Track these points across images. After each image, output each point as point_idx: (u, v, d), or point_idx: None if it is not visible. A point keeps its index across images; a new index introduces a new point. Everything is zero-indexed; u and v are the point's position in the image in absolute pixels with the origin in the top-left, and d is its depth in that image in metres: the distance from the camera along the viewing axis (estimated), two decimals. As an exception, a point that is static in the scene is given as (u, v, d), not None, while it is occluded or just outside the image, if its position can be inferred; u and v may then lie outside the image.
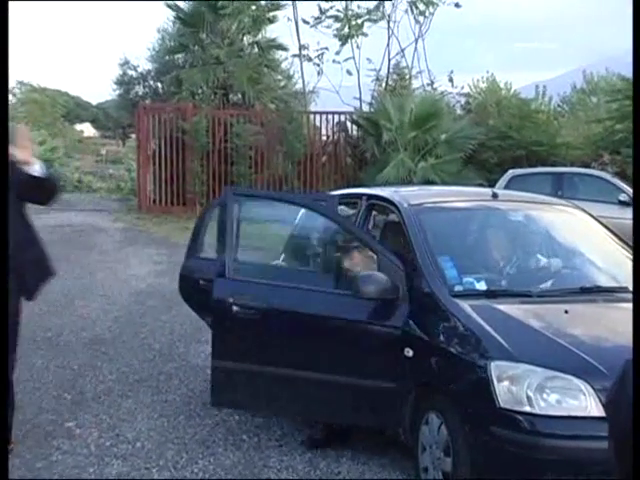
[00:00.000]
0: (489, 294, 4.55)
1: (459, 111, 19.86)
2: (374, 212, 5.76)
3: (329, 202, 5.44)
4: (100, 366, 6.96)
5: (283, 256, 6.09)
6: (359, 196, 5.82)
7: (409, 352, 4.44)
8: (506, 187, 12.16)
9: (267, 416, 5.63)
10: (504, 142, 17.37)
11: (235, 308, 4.85)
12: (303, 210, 5.91)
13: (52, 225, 16.97)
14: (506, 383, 3.82)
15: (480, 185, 13.40)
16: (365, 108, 18.95)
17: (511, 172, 13.57)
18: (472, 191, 6.83)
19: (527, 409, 3.74)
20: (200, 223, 6.31)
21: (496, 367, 3.86)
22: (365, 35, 19.61)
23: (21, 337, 4.71)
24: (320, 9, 19.59)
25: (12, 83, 47.52)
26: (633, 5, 6.45)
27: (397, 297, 4.59)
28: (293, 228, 6.19)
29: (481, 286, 4.64)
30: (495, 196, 5.44)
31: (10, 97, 43.52)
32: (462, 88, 20.31)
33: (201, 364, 7.01)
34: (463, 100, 20.37)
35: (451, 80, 19.83)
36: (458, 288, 4.55)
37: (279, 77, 22.49)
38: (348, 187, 9.31)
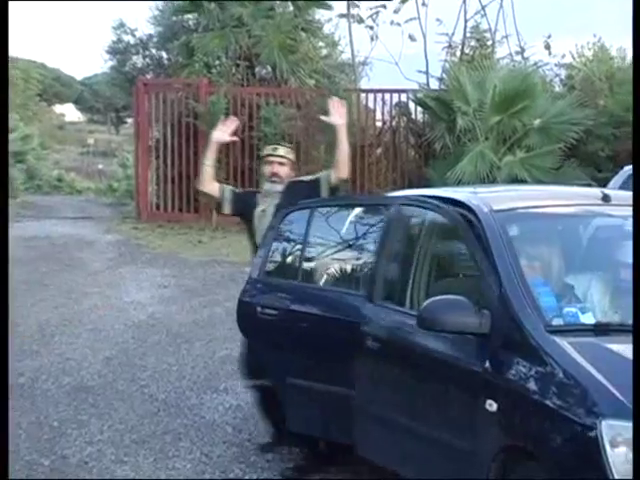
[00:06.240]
0: (598, 329, 4.51)
1: (558, 88, 19.75)
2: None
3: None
4: (87, 422, 7.02)
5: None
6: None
7: (492, 405, 4.42)
8: (622, 188, 12.04)
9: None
10: (618, 129, 17.23)
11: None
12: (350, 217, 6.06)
13: (25, 237, 17.20)
14: (623, 449, 3.79)
15: (587, 185, 13.29)
16: (434, 85, 18.95)
17: (628, 169, 13.40)
18: (576, 193, 6.77)
19: (651, 483, 3.71)
20: (270, 235, 6.50)
21: (609, 428, 3.83)
22: (434, -12, 19.63)
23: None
24: (374, -46, 19.68)
25: (-27, 53, 48.24)
26: (633, 5, 6.60)
27: (487, 333, 4.59)
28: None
29: (588, 319, 4.60)
30: (607, 199, 5.40)
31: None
32: (562, 57, 20.19)
33: (219, 420, 7.05)
34: (564, 73, 20.26)
35: (548, 47, 19.72)
36: (557, 321, 4.52)
37: (320, 44, 22.59)
38: (410, 188, 9.31)
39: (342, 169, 6.87)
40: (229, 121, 7.40)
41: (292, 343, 6.06)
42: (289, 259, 6.57)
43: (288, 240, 6.62)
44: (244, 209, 6.95)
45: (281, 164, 6.89)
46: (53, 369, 8.42)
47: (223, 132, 7.20)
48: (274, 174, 6.87)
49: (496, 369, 4.48)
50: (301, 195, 6.67)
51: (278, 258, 6.65)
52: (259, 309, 6.33)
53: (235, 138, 7.57)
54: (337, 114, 7.15)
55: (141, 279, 13.24)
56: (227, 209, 6.99)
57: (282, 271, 6.63)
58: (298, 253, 6.38)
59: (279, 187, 6.84)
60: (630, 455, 3.75)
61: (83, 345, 9.32)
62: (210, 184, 7.04)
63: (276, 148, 7.08)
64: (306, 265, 6.38)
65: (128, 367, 8.56)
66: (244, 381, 6.87)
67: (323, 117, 7.54)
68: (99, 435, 6.74)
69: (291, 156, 7.04)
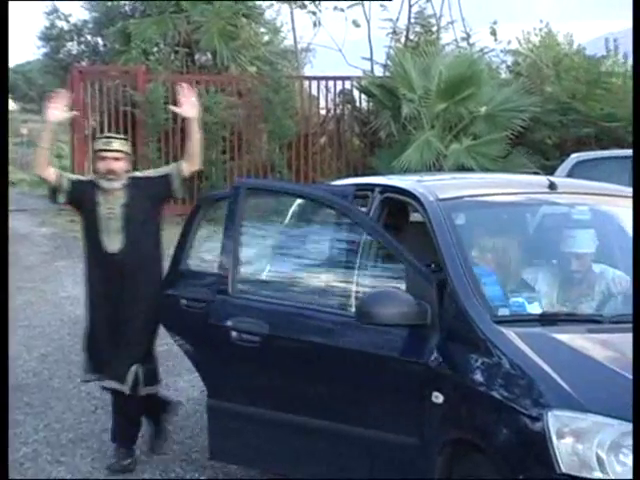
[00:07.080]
0: (545, 319, 4.56)
1: (505, 74, 19.88)
2: (390, 210, 5.77)
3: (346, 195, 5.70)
4: (22, 422, 6.96)
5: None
6: (369, 188, 5.83)
7: (438, 398, 4.44)
8: (568, 176, 12.17)
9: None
10: (565, 116, 17.36)
11: (234, 334, 5.40)
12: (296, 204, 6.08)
13: (-44, 231, 16.97)
14: (569, 440, 3.82)
15: (534, 173, 13.42)
16: (378, 71, 18.98)
17: (575, 156, 13.55)
18: (522, 181, 6.83)
19: (598, 475, 3.74)
20: (189, 226, 6.43)
21: (555, 419, 3.86)
22: (378, -27, 19.66)
23: None
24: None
25: None
26: (633, 5, 6.82)
27: (425, 324, 4.60)
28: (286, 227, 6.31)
29: (534, 309, 4.64)
30: (553, 187, 5.44)
31: None
32: (509, 43, 20.32)
33: (158, 417, 7.01)
34: (510, 59, 20.40)
35: (494, 33, 19.85)
36: (503, 311, 4.57)
37: (262, 30, 22.52)
38: (355, 177, 9.33)
39: (194, 161, 6.53)
40: (58, 96, 6.54)
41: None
42: (213, 247, 6.36)
43: (211, 228, 6.55)
44: (81, 201, 6.50)
45: (117, 159, 6.29)
46: (-14, 367, 8.33)
47: (58, 109, 6.44)
48: (110, 171, 6.26)
49: (442, 360, 4.51)
50: (151, 191, 6.38)
51: (202, 246, 6.55)
52: (183, 302, 6.14)
53: (75, 113, 6.99)
54: (188, 104, 6.61)
55: (78, 273, 13.04)
56: (62, 198, 6.52)
57: (206, 260, 6.45)
58: (221, 241, 6.15)
59: (117, 184, 6.29)
60: (577, 446, 3.79)
61: (17, 342, 9.22)
62: (45, 168, 6.47)
63: (109, 142, 6.42)
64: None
65: (64, 364, 8.49)
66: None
67: (172, 107, 7.18)
68: (34, 435, 6.68)
69: (127, 149, 6.47)
